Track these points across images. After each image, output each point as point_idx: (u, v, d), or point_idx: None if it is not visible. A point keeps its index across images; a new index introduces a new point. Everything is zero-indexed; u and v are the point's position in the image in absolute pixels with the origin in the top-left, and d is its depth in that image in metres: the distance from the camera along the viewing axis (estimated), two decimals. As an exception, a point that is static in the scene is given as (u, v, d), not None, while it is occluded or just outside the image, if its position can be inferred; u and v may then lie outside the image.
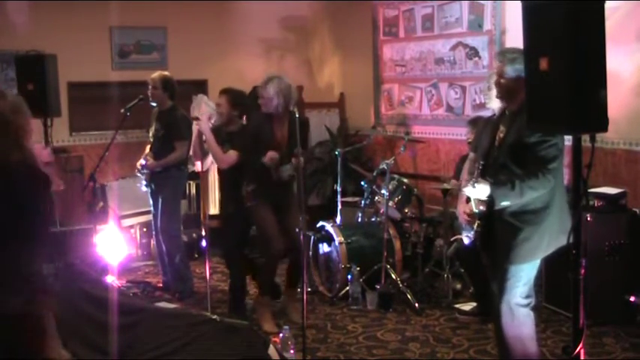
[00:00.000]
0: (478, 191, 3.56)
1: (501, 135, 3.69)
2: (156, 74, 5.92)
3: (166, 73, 5.99)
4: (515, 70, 3.56)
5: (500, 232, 3.62)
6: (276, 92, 4.99)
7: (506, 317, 3.63)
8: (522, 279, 3.59)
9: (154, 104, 5.94)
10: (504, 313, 3.63)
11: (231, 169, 5.25)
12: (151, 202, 6.01)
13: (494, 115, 5.04)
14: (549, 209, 3.56)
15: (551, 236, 3.56)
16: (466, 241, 5.10)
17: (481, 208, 3.64)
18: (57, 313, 2.93)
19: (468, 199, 3.75)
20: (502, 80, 3.64)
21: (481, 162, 3.66)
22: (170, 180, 5.88)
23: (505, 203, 3.52)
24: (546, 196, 3.53)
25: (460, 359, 4.56)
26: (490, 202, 3.56)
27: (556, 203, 3.58)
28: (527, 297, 3.64)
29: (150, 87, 5.85)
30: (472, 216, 3.73)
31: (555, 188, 3.56)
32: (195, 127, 5.43)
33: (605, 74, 2.81)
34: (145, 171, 5.85)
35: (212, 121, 5.31)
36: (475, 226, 3.70)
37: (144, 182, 5.93)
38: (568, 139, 3.64)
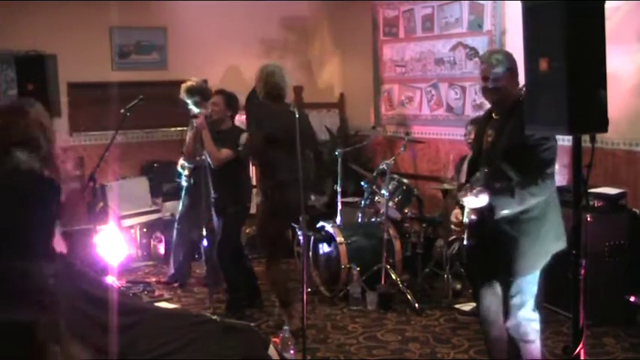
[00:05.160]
0: (479, 201, 3.34)
1: (489, 139, 3.53)
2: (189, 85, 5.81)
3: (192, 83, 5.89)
4: (504, 67, 3.45)
5: (495, 244, 3.46)
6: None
7: (514, 333, 3.50)
8: (528, 292, 3.45)
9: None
10: (513, 329, 3.50)
11: (232, 169, 5.25)
12: (185, 199, 5.97)
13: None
14: (546, 216, 3.44)
15: (549, 245, 3.47)
16: (465, 242, 5.13)
17: (472, 217, 3.43)
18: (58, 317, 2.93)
19: (461, 206, 3.50)
20: (492, 84, 3.47)
21: (485, 170, 3.44)
22: None
23: (505, 212, 3.34)
24: (543, 203, 3.41)
25: (460, 359, 4.57)
26: (483, 210, 3.36)
27: (552, 209, 3.48)
28: (535, 310, 3.50)
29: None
30: (461, 224, 3.53)
31: (551, 194, 3.46)
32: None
33: (605, 74, 2.81)
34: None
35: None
36: (466, 236, 3.50)
37: (184, 177, 5.90)
38: (567, 140, 3.57)
